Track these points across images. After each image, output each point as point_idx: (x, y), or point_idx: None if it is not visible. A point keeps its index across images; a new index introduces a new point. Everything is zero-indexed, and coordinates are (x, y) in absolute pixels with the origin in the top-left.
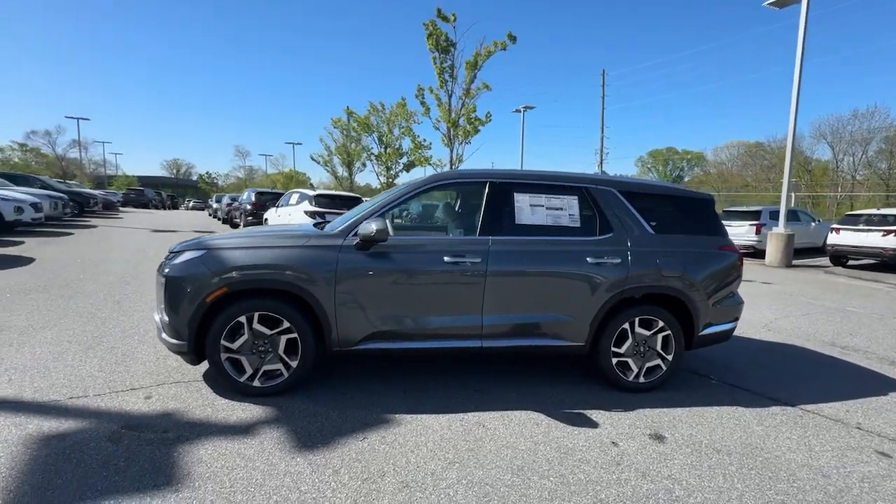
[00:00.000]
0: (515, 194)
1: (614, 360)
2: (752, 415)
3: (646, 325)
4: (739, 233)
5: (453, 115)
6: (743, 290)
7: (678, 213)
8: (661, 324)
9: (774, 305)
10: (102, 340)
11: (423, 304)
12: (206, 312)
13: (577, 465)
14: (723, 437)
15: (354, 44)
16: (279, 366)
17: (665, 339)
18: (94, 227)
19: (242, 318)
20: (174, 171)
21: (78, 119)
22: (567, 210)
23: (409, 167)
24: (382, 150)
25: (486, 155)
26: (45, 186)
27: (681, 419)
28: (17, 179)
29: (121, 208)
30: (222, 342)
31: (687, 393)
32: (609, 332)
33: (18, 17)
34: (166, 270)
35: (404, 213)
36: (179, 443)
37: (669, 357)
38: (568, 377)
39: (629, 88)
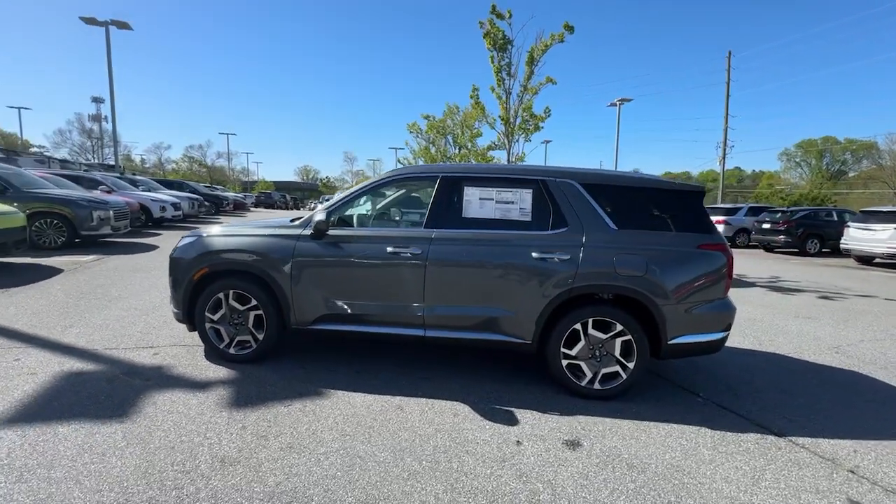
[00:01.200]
0: (465, 188)
1: (565, 363)
2: (712, 438)
3: (602, 327)
4: (880, 238)
5: (511, 112)
6: (860, 305)
7: (650, 208)
8: (619, 327)
9: (877, 326)
10: (158, 309)
11: (367, 291)
12: (194, 287)
13: (459, 455)
14: (651, 455)
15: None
16: (249, 337)
17: (625, 344)
18: (220, 222)
19: (221, 295)
20: (304, 176)
21: (227, 135)
22: (518, 204)
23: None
24: (457, 150)
25: (569, 154)
26: (192, 190)
27: (617, 430)
28: (171, 185)
29: (252, 208)
30: (206, 314)
31: (655, 406)
32: (558, 331)
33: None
34: (172, 252)
35: (368, 207)
36: (151, 389)
37: (630, 365)
38: (529, 376)
39: (754, 73)
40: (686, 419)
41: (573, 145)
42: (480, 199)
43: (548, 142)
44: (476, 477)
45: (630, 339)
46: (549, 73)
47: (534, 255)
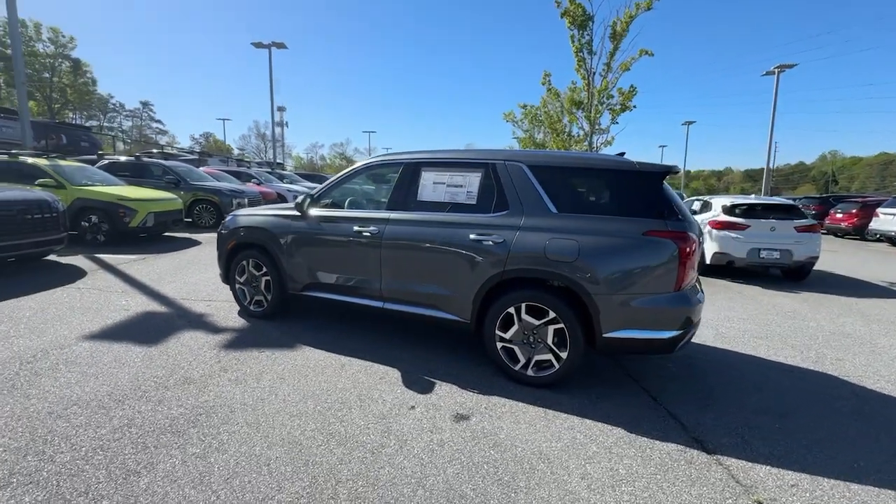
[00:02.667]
0: (423, 173)
1: (499, 345)
2: (618, 439)
3: (536, 313)
4: None
5: (593, 93)
6: None
7: (599, 190)
8: (552, 315)
9: None
10: None
11: (340, 265)
12: (228, 256)
13: (351, 407)
14: (528, 440)
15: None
16: (262, 298)
17: (558, 332)
18: None
19: (244, 262)
20: None
21: (369, 132)
22: (466, 187)
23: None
24: (554, 136)
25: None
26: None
27: (518, 414)
28: (312, 177)
29: None
30: (236, 276)
31: (591, 400)
32: (493, 313)
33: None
34: (219, 228)
35: (350, 193)
36: (185, 328)
37: (563, 354)
38: (483, 357)
39: None
40: (610, 418)
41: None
42: (434, 183)
43: (691, 121)
44: (347, 425)
45: (563, 328)
46: (644, 47)
47: (471, 237)
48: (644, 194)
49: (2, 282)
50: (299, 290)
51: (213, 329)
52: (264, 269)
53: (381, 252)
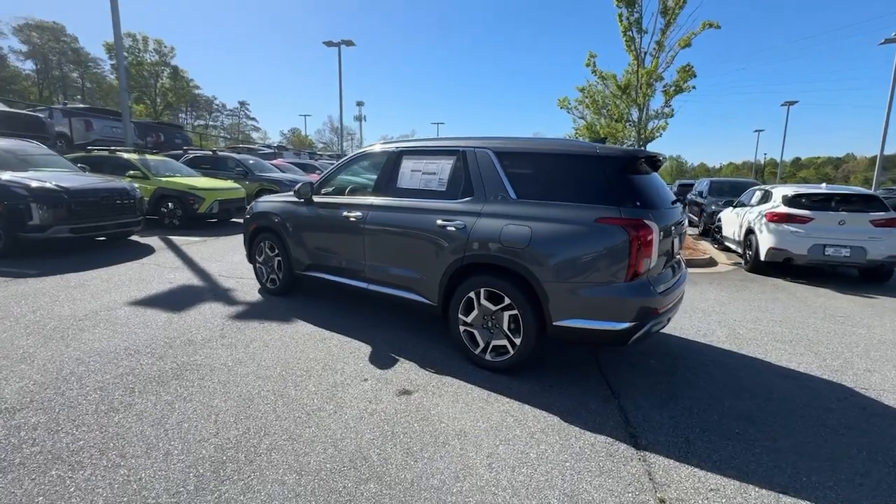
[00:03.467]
0: (403, 161)
1: (462, 329)
2: (545, 425)
3: (493, 298)
4: None
5: (642, 76)
6: None
7: (559, 176)
8: (507, 301)
9: None
10: None
11: (333, 247)
12: (250, 238)
13: (309, 376)
14: (453, 418)
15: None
16: (275, 276)
17: (513, 319)
18: None
19: (262, 244)
20: None
21: (438, 124)
22: (439, 174)
23: (644, 140)
24: (611, 121)
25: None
26: None
27: (459, 394)
28: None
29: None
30: (255, 257)
31: (541, 388)
32: (456, 298)
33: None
34: (245, 213)
35: (348, 181)
36: (209, 300)
37: (517, 341)
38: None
39: None
40: (552, 406)
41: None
42: (412, 170)
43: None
44: (300, 389)
45: (517, 315)
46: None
47: (438, 222)
48: (603, 181)
49: (89, 256)
50: (302, 270)
51: (231, 302)
52: (276, 251)
53: (364, 236)
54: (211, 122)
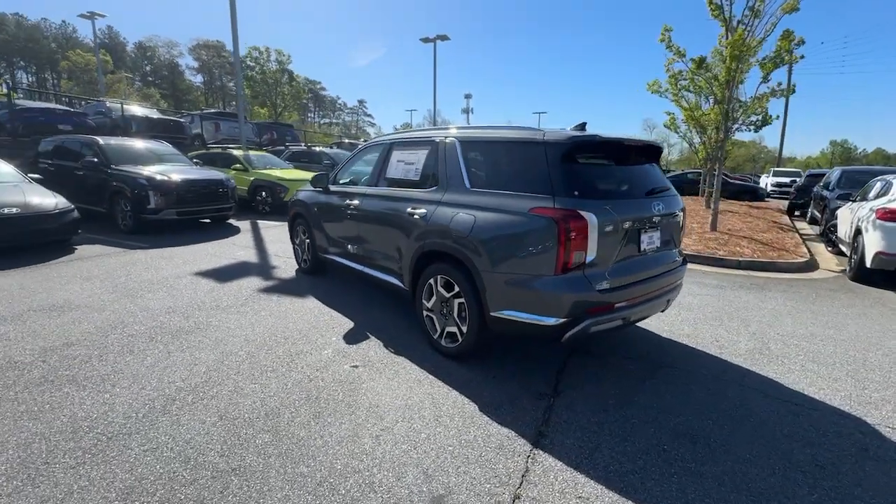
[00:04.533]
0: (393, 152)
1: (424, 314)
2: (453, 407)
3: (447, 286)
4: None
5: (725, 46)
6: None
7: (506, 164)
8: (457, 289)
9: None
10: None
11: (340, 232)
12: (290, 223)
13: (286, 342)
14: (381, 394)
15: None
16: (307, 257)
17: (461, 307)
18: None
19: (298, 229)
20: None
21: (539, 113)
22: (416, 164)
23: (758, 125)
24: (712, 106)
25: None
26: None
27: (401, 374)
28: None
29: None
30: (294, 240)
31: (476, 374)
32: (420, 283)
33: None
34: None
35: (358, 171)
36: (254, 275)
37: (464, 328)
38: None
39: None
40: (480, 396)
41: None
42: (397, 160)
43: None
44: (268, 351)
45: (464, 303)
46: None
47: (408, 210)
48: (544, 168)
49: (190, 234)
50: (323, 252)
51: (268, 277)
52: (306, 235)
53: (360, 223)
54: (334, 120)
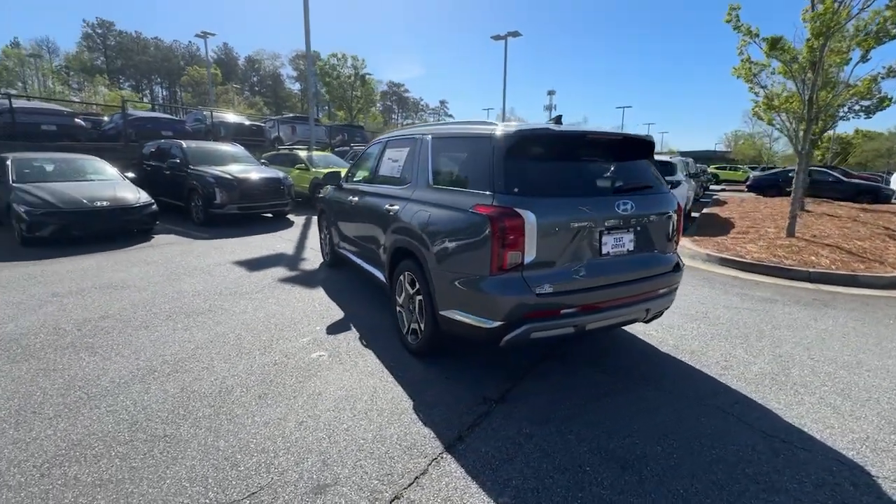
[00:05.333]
0: (387, 150)
1: (396, 309)
2: (393, 402)
3: (412, 283)
4: None
5: (815, 22)
6: None
7: (463, 161)
8: (418, 286)
9: None
10: None
11: (346, 227)
12: (318, 219)
13: (276, 327)
14: (333, 381)
15: None
16: (329, 250)
17: (420, 304)
18: None
19: (322, 224)
20: (731, 144)
21: (623, 108)
22: (399, 162)
23: (871, 110)
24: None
25: None
26: None
27: (360, 366)
28: None
29: None
30: (321, 234)
31: (432, 372)
32: (394, 279)
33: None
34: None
35: (363, 168)
36: (283, 263)
37: (422, 325)
38: None
39: None
40: (423, 393)
41: None
42: (388, 158)
43: None
44: (253, 336)
45: (422, 300)
46: None
47: (385, 207)
48: (490, 164)
49: (249, 227)
50: (336, 247)
51: (293, 268)
52: (327, 230)
53: (356, 218)
54: (416, 121)
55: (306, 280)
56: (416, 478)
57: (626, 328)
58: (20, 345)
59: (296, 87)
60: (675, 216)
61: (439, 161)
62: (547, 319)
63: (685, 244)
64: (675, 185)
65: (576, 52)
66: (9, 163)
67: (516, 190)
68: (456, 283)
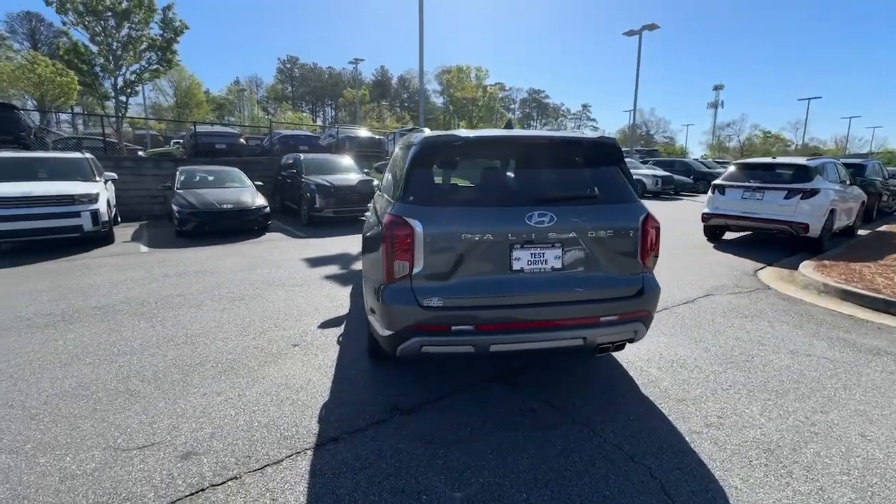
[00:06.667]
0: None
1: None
2: (312, 398)
3: None
4: None
5: None
6: None
7: (395, 169)
8: None
9: None
10: None
11: None
12: None
13: (282, 316)
14: (288, 369)
15: None
16: None
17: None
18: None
19: None
20: None
21: (808, 99)
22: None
23: None
24: None
25: None
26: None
27: (320, 360)
28: (671, 164)
29: None
30: None
31: (383, 374)
32: None
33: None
34: None
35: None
36: (327, 262)
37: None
38: None
39: None
40: (349, 394)
41: None
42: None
43: None
44: (263, 321)
45: None
46: None
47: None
48: (402, 173)
49: (340, 228)
50: None
51: (344, 266)
52: None
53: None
54: (557, 127)
55: (346, 279)
56: (265, 466)
57: (622, 360)
58: (113, 310)
59: (440, 100)
60: (637, 232)
61: (392, 170)
62: (437, 335)
63: (806, 270)
64: (811, 193)
65: (752, 37)
66: (177, 173)
67: (412, 199)
68: (371, 289)
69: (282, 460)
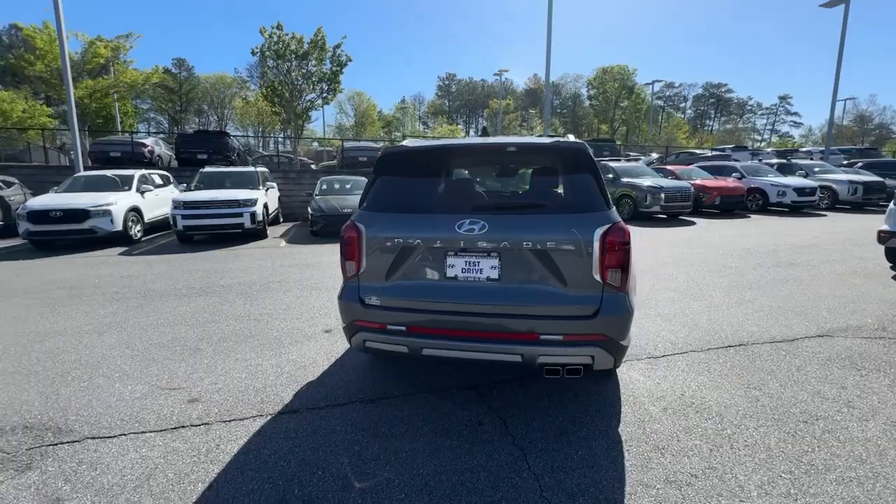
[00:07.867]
0: None
1: None
2: (287, 388)
3: None
4: None
5: None
6: None
7: None
8: None
9: None
10: None
11: None
12: None
13: (309, 314)
14: (308, 358)
15: None
16: None
17: None
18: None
19: None
20: None
21: None
22: None
23: None
24: None
25: None
26: None
27: (334, 352)
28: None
29: None
30: None
31: (382, 363)
32: None
33: None
34: None
35: None
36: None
37: None
38: None
39: None
40: (356, 384)
41: None
42: None
43: None
44: (293, 315)
45: None
46: None
47: None
48: (368, 181)
49: None
50: None
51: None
52: None
53: None
54: (741, 125)
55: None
56: (233, 420)
57: (631, 391)
58: (230, 289)
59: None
60: (591, 246)
61: None
62: (375, 332)
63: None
64: None
65: None
66: (318, 181)
67: (366, 205)
68: None
69: (245, 418)
